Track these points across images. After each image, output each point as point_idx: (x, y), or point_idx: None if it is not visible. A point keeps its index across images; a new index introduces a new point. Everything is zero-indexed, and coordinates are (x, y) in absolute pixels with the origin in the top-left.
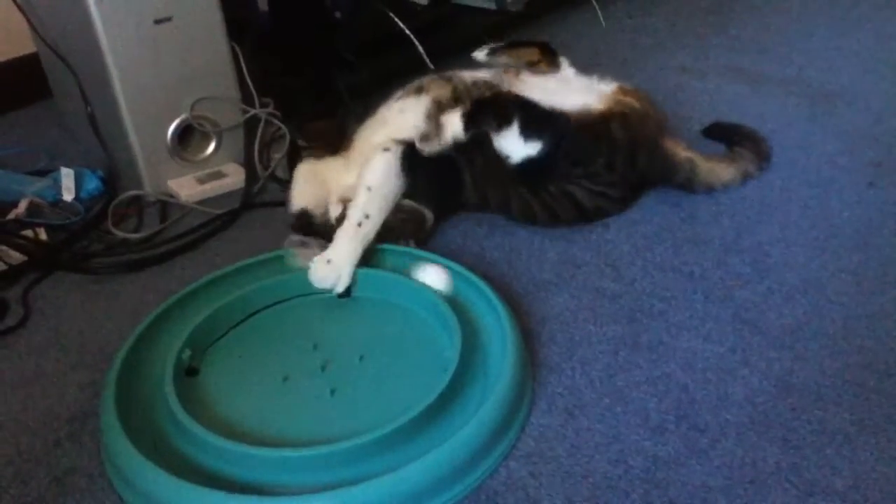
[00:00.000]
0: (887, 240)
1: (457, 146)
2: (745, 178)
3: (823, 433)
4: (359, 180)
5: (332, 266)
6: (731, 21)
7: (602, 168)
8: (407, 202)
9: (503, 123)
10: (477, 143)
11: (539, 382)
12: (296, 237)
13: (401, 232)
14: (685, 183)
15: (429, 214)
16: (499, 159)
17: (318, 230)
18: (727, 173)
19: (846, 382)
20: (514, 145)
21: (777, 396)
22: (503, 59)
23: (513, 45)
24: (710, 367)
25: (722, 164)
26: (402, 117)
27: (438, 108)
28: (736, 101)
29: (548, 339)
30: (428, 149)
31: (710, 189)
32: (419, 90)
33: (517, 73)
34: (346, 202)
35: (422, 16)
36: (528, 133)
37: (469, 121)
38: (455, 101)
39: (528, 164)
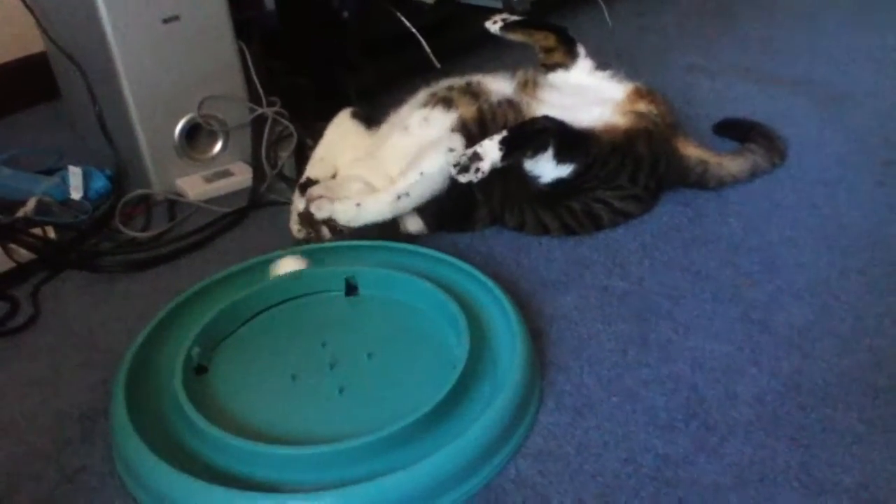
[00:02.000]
0: None
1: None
2: (755, 172)
3: (832, 432)
4: (415, 161)
5: (359, 210)
6: (740, 20)
7: (626, 181)
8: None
9: (539, 150)
10: (497, 172)
11: (547, 381)
12: (302, 210)
13: (368, 233)
14: (697, 181)
15: (415, 227)
16: (518, 181)
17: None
18: (735, 166)
19: (855, 381)
20: (547, 168)
21: (786, 395)
22: (516, 36)
23: (529, 25)
24: (718, 366)
25: (730, 158)
26: (425, 130)
27: (463, 129)
28: (744, 100)
29: (556, 338)
30: (464, 179)
31: (720, 184)
32: (447, 103)
33: (535, 88)
34: (309, 200)
35: (428, 15)
36: (561, 157)
37: (508, 150)
38: (480, 122)
39: (557, 183)
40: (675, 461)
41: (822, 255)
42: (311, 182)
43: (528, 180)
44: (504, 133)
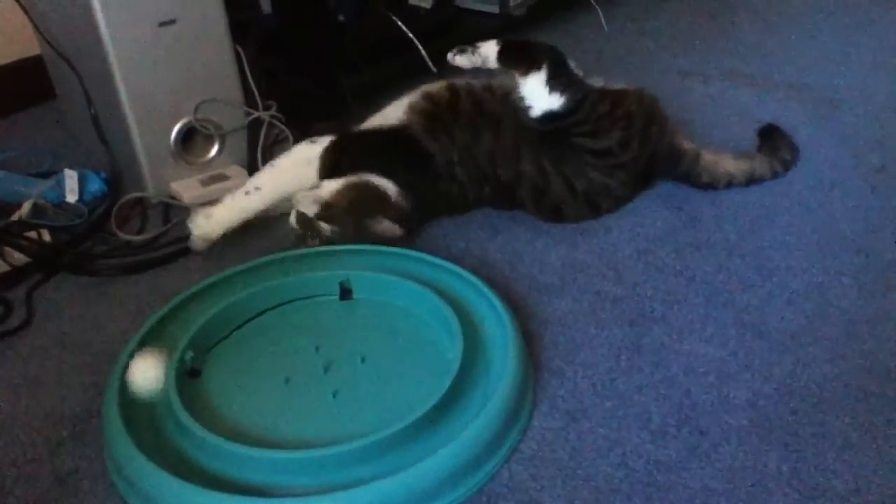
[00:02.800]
0: (889, 244)
1: (446, 160)
2: (753, 176)
3: (824, 437)
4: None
5: (209, 220)
6: (734, 25)
7: (616, 145)
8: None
9: (532, 68)
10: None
11: (541, 385)
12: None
13: (330, 241)
14: (688, 172)
15: (395, 231)
16: (514, 126)
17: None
18: (733, 166)
19: (847, 386)
20: (539, 94)
21: (778, 400)
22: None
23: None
24: (711, 371)
25: (729, 158)
26: (395, 111)
27: (426, 98)
28: (738, 105)
29: (549, 342)
30: (460, 60)
31: (713, 180)
32: (416, 89)
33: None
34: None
35: (425, 19)
36: (553, 83)
37: (503, 52)
38: (449, 90)
39: (548, 118)
40: (667, 466)
41: (816, 260)
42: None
43: (522, 114)
44: (503, 40)
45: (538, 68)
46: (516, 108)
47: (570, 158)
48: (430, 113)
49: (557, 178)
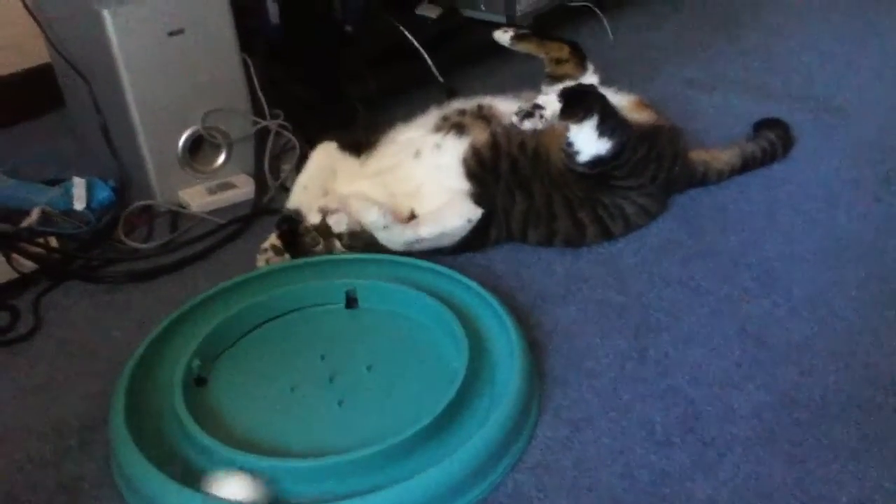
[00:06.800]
0: (894, 254)
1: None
2: (746, 158)
3: (829, 448)
4: (440, 214)
5: (385, 230)
6: (739, 35)
7: (648, 180)
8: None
9: (588, 114)
10: (523, 187)
11: (545, 395)
12: (269, 244)
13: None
14: (700, 181)
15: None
16: (551, 185)
17: (299, 243)
18: (725, 156)
19: (852, 397)
20: (588, 140)
21: (783, 411)
22: (527, 46)
23: (541, 36)
24: (715, 381)
25: (719, 150)
26: (437, 157)
27: (474, 156)
28: (743, 114)
29: (554, 352)
30: (528, 125)
31: (720, 177)
32: (459, 129)
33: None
34: (325, 213)
35: (431, 29)
36: (602, 129)
37: (566, 103)
38: (493, 146)
39: (594, 163)
40: (671, 477)
41: (820, 270)
42: (294, 219)
43: (567, 160)
44: (559, 89)
45: (591, 115)
46: (549, 162)
47: (607, 202)
48: (480, 179)
49: (593, 227)
